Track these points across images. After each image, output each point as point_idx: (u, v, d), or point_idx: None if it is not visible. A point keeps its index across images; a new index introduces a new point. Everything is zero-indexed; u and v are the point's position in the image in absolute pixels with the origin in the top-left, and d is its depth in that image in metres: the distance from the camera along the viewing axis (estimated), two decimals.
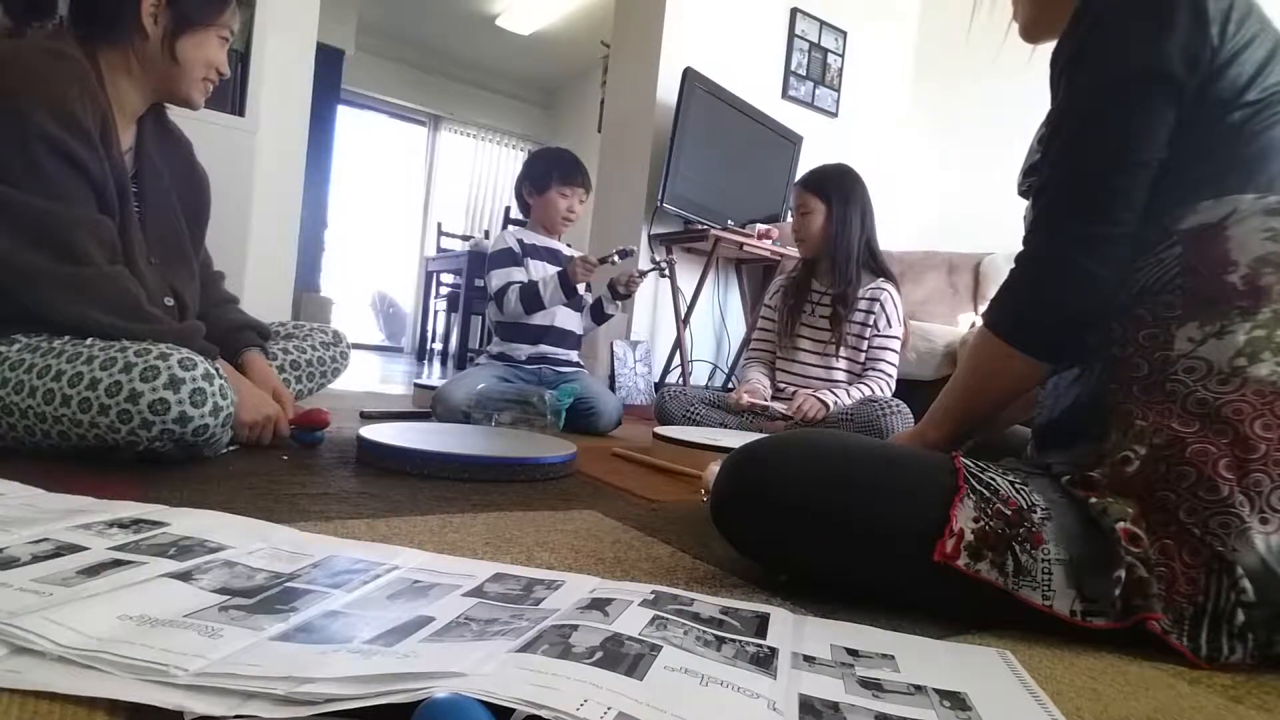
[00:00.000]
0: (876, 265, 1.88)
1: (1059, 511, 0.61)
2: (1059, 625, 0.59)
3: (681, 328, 2.89)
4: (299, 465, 1.05)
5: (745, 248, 2.90)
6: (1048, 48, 0.74)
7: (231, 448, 1.10)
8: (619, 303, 2.01)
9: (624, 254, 1.96)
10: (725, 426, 1.85)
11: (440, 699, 0.34)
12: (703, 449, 1.34)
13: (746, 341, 2.98)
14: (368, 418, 1.69)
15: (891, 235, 2.42)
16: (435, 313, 5.26)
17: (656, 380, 2.99)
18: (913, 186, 3.70)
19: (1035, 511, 0.61)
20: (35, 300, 0.93)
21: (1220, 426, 0.58)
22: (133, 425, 0.89)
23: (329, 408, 1.30)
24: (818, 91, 3.54)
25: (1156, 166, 0.64)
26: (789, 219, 2.95)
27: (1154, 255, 0.65)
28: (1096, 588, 0.58)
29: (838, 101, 3.61)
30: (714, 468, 0.87)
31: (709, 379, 3.24)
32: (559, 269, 1.87)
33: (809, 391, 1.82)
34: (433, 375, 3.97)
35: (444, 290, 5.02)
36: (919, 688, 0.46)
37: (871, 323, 1.84)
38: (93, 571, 0.51)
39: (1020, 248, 0.72)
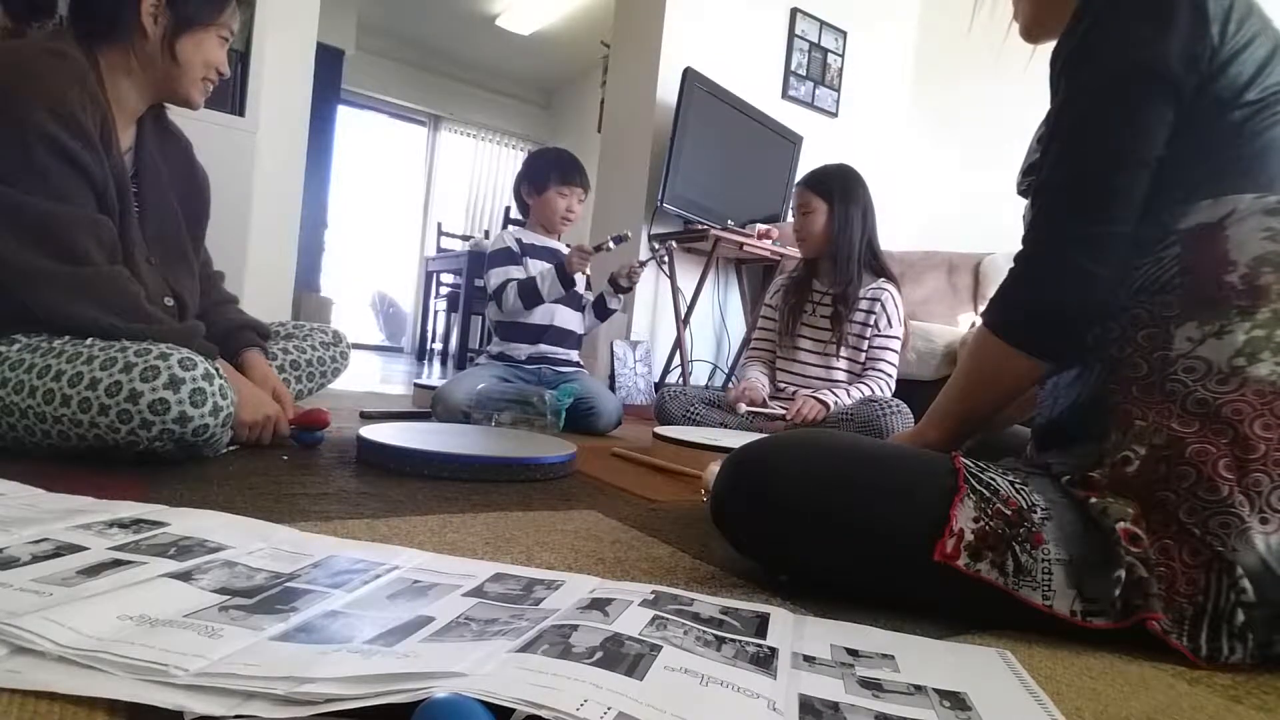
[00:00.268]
0: (877, 265, 1.88)
1: (1059, 511, 0.61)
2: (1059, 625, 0.59)
3: (681, 328, 2.89)
4: (299, 465, 1.05)
5: (745, 248, 2.90)
6: (1047, 48, 0.74)
7: (231, 448, 1.10)
8: (621, 297, 2.00)
9: (619, 239, 1.89)
10: (725, 426, 1.84)
11: (440, 699, 0.34)
12: (703, 449, 1.34)
13: (746, 341, 2.98)
14: (368, 418, 1.69)
15: (891, 235, 2.41)
16: (435, 313, 5.27)
17: (656, 380, 2.99)
18: (913, 186, 3.70)
19: (1035, 511, 0.61)
20: (35, 300, 0.94)
21: (1220, 426, 0.58)
22: (133, 425, 0.89)
23: (329, 408, 1.30)
24: (818, 91, 3.54)
25: (1156, 166, 0.64)
26: (789, 219, 2.95)
27: (1153, 255, 0.65)
28: (1096, 588, 0.58)
29: (838, 101, 3.61)
30: (714, 468, 0.87)
31: (709, 379, 3.24)
32: (556, 261, 1.87)
33: (808, 393, 1.81)
34: (433, 375, 3.97)
35: (444, 290, 5.02)
36: (919, 688, 0.46)
37: (872, 322, 1.84)
38: (93, 571, 0.51)
39: (1020, 247, 0.72)
